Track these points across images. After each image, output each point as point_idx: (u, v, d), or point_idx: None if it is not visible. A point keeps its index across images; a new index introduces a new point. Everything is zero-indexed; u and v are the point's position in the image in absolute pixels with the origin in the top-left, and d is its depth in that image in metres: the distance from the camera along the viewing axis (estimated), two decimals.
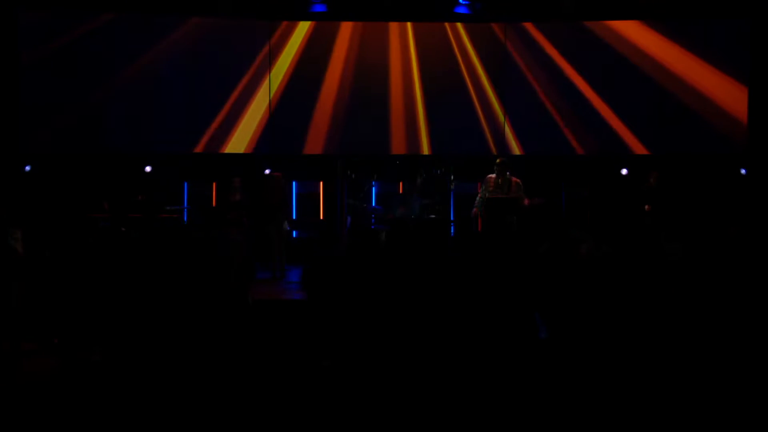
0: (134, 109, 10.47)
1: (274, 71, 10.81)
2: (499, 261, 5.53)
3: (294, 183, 11.10)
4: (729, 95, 10.52)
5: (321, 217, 11.15)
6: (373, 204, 10.90)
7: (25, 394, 4.84)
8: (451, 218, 10.97)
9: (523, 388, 4.31)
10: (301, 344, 4.78)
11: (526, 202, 9.23)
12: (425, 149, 10.97)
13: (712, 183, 10.41)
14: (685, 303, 5.00)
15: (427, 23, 10.97)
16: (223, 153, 10.76)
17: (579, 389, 4.29)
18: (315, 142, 10.90)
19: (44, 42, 10.15)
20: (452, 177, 10.80)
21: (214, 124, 10.69)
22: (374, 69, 10.91)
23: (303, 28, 10.86)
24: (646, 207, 9.71)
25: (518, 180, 9.23)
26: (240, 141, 10.79)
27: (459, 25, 10.94)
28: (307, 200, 11.22)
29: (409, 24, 10.95)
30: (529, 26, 10.91)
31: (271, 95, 10.82)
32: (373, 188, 11.11)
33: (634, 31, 10.73)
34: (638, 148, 10.74)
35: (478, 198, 9.45)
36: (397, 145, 10.98)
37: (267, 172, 10.32)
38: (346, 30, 10.90)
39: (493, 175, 9.25)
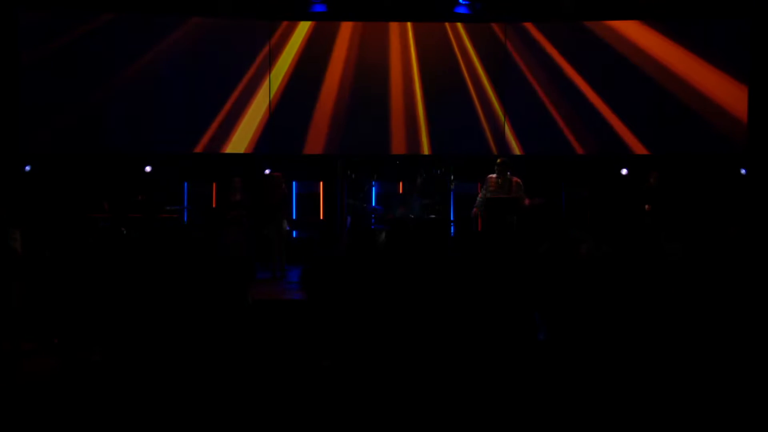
0: (134, 109, 10.47)
1: (274, 71, 10.81)
2: (499, 261, 5.53)
3: (294, 183, 11.10)
4: (729, 95, 10.52)
5: (321, 217, 11.15)
6: (373, 204, 10.90)
7: (25, 394, 4.84)
8: (451, 218, 10.97)
9: (522, 389, 4.31)
10: (301, 344, 4.78)
11: (526, 201, 9.23)
12: (425, 149, 10.97)
13: (712, 183, 10.41)
14: (685, 303, 5.00)
15: (427, 23, 10.97)
16: (223, 153, 10.76)
17: (579, 390, 4.30)
18: (315, 142, 10.90)
19: (44, 42, 10.15)
20: (452, 177, 10.80)
21: (214, 124, 10.69)
22: (374, 69, 10.91)
23: (303, 28, 10.86)
24: (646, 207, 9.71)
25: (519, 180, 9.24)
26: (240, 141, 10.79)
27: (459, 25, 10.94)
28: (307, 200, 11.22)
29: (409, 24, 10.95)
30: (529, 26, 10.91)
31: (271, 95, 10.83)
32: (373, 188, 11.11)
33: (634, 31, 10.73)
34: (638, 148, 10.74)
35: (479, 198, 9.45)
36: (397, 145, 10.98)
37: (267, 172, 10.33)
38: (346, 30, 10.90)
39: (494, 175, 9.25)
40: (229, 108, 10.71)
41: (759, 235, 7.58)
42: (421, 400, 4.20)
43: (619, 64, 10.71)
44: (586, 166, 11.02)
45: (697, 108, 10.59)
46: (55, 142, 10.28)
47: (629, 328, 4.75)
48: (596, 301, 4.93)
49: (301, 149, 10.90)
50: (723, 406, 4.15)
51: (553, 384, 4.35)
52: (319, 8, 10.72)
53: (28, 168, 10.14)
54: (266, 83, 10.80)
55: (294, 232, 11.02)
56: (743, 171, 10.51)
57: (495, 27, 10.95)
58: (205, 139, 10.69)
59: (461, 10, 10.82)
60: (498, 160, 9.34)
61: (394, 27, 10.95)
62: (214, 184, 10.96)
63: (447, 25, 10.96)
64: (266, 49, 10.79)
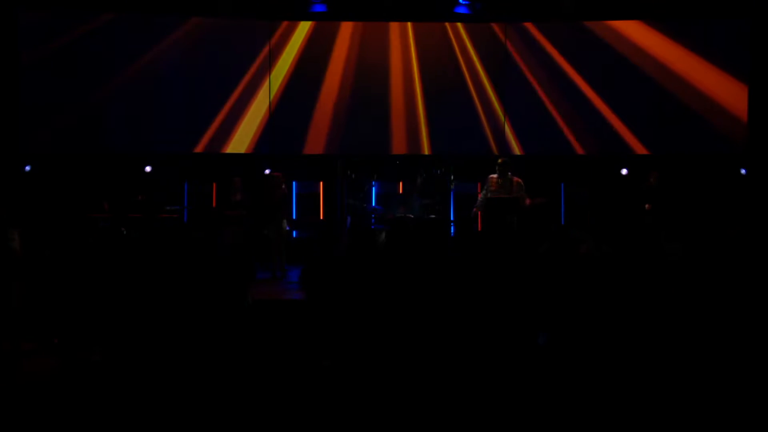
0: (134, 109, 10.48)
1: (274, 71, 10.81)
2: (499, 261, 5.53)
3: (294, 183, 11.10)
4: (729, 95, 10.51)
5: (321, 217, 11.15)
6: (373, 204, 10.90)
7: (25, 394, 4.84)
8: (451, 218, 10.98)
9: (522, 388, 4.31)
10: (301, 344, 4.78)
11: (527, 201, 9.24)
12: (425, 149, 10.97)
13: (712, 183, 10.41)
14: (685, 303, 5.00)
15: (427, 23, 10.97)
16: (223, 153, 10.77)
17: (579, 390, 4.30)
18: (315, 142, 10.90)
19: (44, 42, 10.15)
20: (452, 177, 10.80)
21: (214, 124, 10.69)
22: (374, 69, 10.92)
23: (303, 28, 10.87)
24: (647, 206, 9.72)
25: (520, 180, 9.24)
26: (240, 141, 10.79)
27: (459, 25, 10.94)
28: (307, 200, 11.22)
29: (409, 24, 10.95)
30: (529, 26, 10.91)
31: (272, 95, 10.83)
32: (373, 188, 11.11)
33: (634, 31, 10.73)
34: (638, 148, 10.74)
35: (479, 199, 9.46)
36: (398, 145, 10.98)
37: (267, 172, 10.33)
38: (346, 30, 10.90)
39: (495, 176, 9.25)
40: (229, 108, 10.72)
41: (759, 236, 7.58)
42: (421, 400, 4.20)
43: (619, 64, 10.71)
44: (586, 166, 11.02)
45: (697, 108, 10.59)
46: (55, 142, 10.28)
47: (629, 328, 4.75)
48: (596, 301, 4.92)
49: (301, 149, 10.91)
50: (723, 406, 4.15)
51: (553, 384, 4.35)
52: (319, 8, 10.72)
53: (28, 168, 10.14)
54: (266, 83, 10.80)
55: (294, 232, 11.02)
56: (743, 171, 10.51)
57: (495, 27, 10.95)
58: (205, 139, 10.69)
59: (461, 10, 10.83)
60: (499, 161, 9.34)
61: (394, 27, 10.95)
62: (214, 184, 10.96)
63: (447, 25, 10.96)
64: (266, 49, 10.79)
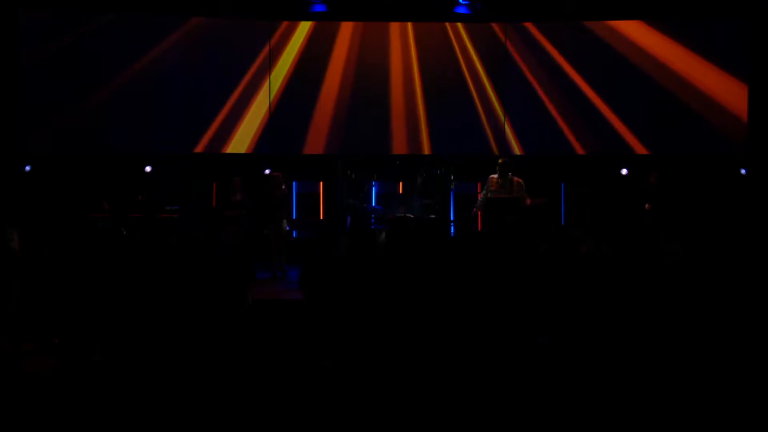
0: (134, 109, 10.47)
1: (274, 71, 10.81)
2: (498, 261, 5.53)
3: (294, 183, 11.10)
4: (729, 95, 10.51)
5: (321, 217, 11.15)
6: (373, 204, 10.90)
7: (25, 394, 4.84)
8: (451, 218, 10.97)
9: (522, 388, 4.31)
10: (301, 344, 4.78)
11: (528, 201, 9.23)
12: (426, 149, 10.98)
13: (712, 183, 10.41)
14: (684, 303, 5.00)
15: (427, 23, 10.97)
16: (223, 153, 10.77)
17: (578, 390, 4.30)
18: (315, 142, 10.91)
19: (44, 42, 10.16)
20: (452, 177, 10.80)
21: (215, 124, 10.70)
22: (374, 69, 10.92)
23: (303, 28, 10.87)
24: (647, 206, 9.71)
25: (520, 180, 9.24)
26: (240, 141, 10.79)
27: (459, 25, 10.95)
28: (307, 200, 11.22)
29: (409, 24, 10.95)
30: (529, 26, 10.91)
31: (272, 95, 10.83)
32: (373, 188, 11.11)
33: (634, 31, 10.73)
34: (638, 148, 10.74)
35: (480, 199, 9.46)
36: (398, 145, 10.98)
37: (267, 172, 10.32)
38: (346, 30, 10.90)
39: (495, 176, 9.25)
40: (229, 108, 10.72)
41: (759, 236, 7.57)
42: (421, 400, 4.20)
43: (619, 64, 10.72)
44: (586, 166, 11.02)
45: (697, 108, 10.59)
46: (55, 142, 10.28)
47: (629, 328, 4.75)
48: (596, 301, 4.92)
49: (301, 149, 10.91)
50: (723, 406, 4.15)
51: (552, 384, 4.35)
52: (319, 8, 10.72)
53: (28, 168, 10.14)
54: (266, 83, 10.80)
55: (294, 232, 11.02)
56: (743, 171, 10.50)
57: (495, 27, 10.96)
58: (205, 139, 10.69)
59: (461, 10, 10.83)
60: (499, 161, 9.34)
61: (394, 27, 10.96)
62: (214, 184, 10.95)
63: (447, 25, 10.96)
64: (266, 50, 10.79)
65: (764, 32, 10.37)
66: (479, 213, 9.57)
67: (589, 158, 10.95)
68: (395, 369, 4.44)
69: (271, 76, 10.81)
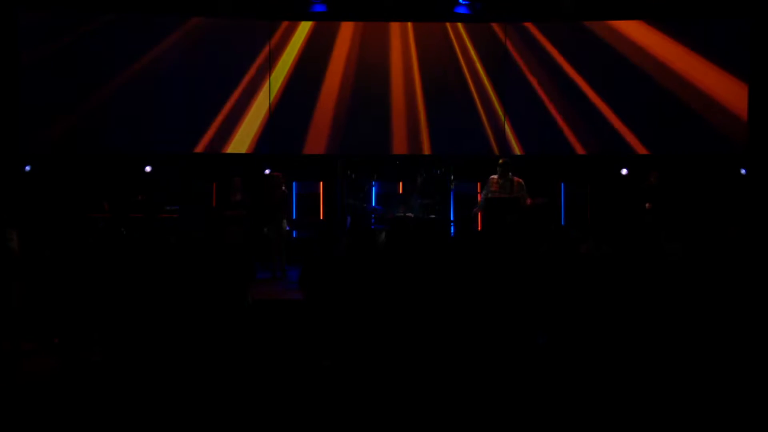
0: (134, 109, 10.47)
1: (274, 71, 10.81)
2: (498, 261, 5.53)
3: (294, 183, 11.09)
4: (729, 96, 10.51)
5: (321, 217, 11.15)
6: (373, 204, 10.90)
7: (25, 394, 4.84)
8: (451, 218, 10.97)
9: (522, 388, 4.31)
10: (301, 344, 4.78)
11: (528, 201, 9.23)
12: (426, 149, 10.97)
13: (712, 183, 10.41)
14: (684, 303, 4.99)
15: (427, 23, 10.97)
16: (223, 153, 10.77)
17: (578, 390, 4.29)
18: (315, 142, 10.90)
19: (44, 42, 10.15)
20: (452, 177, 10.80)
21: (215, 125, 10.69)
22: (375, 69, 10.92)
23: (303, 28, 10.87)
24: (647, 205, 9.71)
25: (521, 180, 9.23)
26: (240, 141, 10.79)
27: (459, 25, 10.95)
28: (307, 200, 11.21)
29: (409, 24, 10.95)
30: (529, 26, 10.91)
31: (272, 95, 10.83)
32: (373, 188, 11.11)
33: (634, 31, 10.73)
34: (638, 148, 10.74)
35: (480, 200, 9.45)
36: (398, 145, 10.98)
37: (267, 172, 10.32)
38: (346, 30, 10.90)
39: (496, 176, 9.25)
40: (229, 108, 10.72)
41: (759, 235, 7.57)
42: (421, 400, 4.20)
43: (619, 64, 10.71)
44: (586, 166, 11.02)
45: (697, 107, 10.59)
46: (55, 142, 10.28)
47: (629, 327, 4.75)
48: (596, 301, 4.92)
49: (301, 149, 10.91)
50: (723, 405, 4.15)
51: (552, 384, 4.35)
52: (319, 8, 10.72)
53: (28, 168, 10.14)
54: (266, 83, 10.80)
55: (294, 232, 11.02)
56: (743, 171, 10.50)
57: (495, 27, 10.95)
58: (205, 139, 10.69)
59: (461, 10, 10.82)
60: (500, 161, 9.34)
61: (394, 27, 10.95)
62: (214, 184, 10.95)
63: (447, 25, 10.96)
64: (266, 50, 10.79)
65: (764, 32, 10.37)
66: (479, 213, 9.57)
67: (589, 158, 10.94)
68: (395, 369, 4.44)
69: (271, 76, 10.80)
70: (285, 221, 9.54)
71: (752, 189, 10.31)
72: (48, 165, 10.22)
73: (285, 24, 10.84)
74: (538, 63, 10.88)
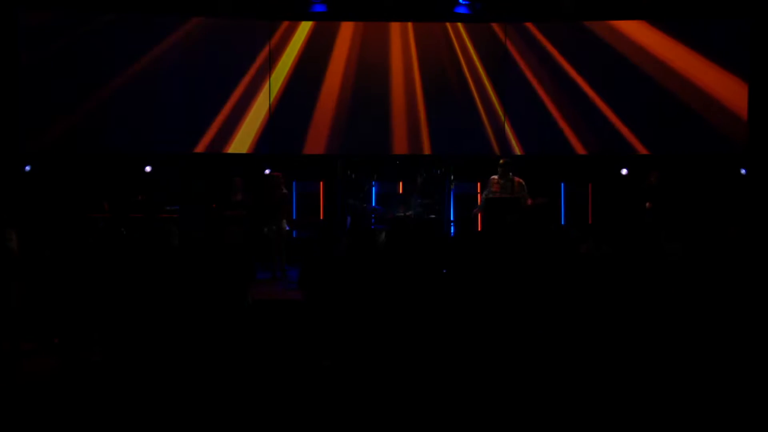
0: (134, 109, 10.47)
1: (274, 71, 10.81)
2: (498, 261, 5.53)
3: (294, 183, 11.09)
4: (729, 96, 10.50)
5: (321, 217, 11.15)
6: (373, 204, 10.90)
7: (25, 394, 4.84)
8: (451, 218, 10.97)
9: (522, 388, 4.31)
10: (301, 344, 4.78)
11: (529, 201, 9.23)
12: (426, 149, 10.97)
13: (712, 183, 10.41)
14: (684, 303, 5.00)
15: (427, 23, 10.97)
16: (223, 153, 10.76)
17: (578, 390, 4.29)
18: (315, 142, 10.90)
19: (44, 42, 10.15)
20: (452, 177, 10.80)
21: (215, 124, 10.69)
22: (375, 69, 10.92)
23: (303, 28, 10.86)
24: (647, 205, 9.71)
25: (521, 180, 9.23)
26: (240, 141, 10.79)
27: (459, 25, 10.94)
28: (307, 200, 11.21)
29: (409, 24, 10.95)
30: (529, 26, 10.91)
31: (272, 95, 10.83)
32: (373, 188, 11.11)
33: (634, 31, 10.72)
34: (638, 148, 10.74)
35: (481, 201, 9.45)
36: (398, 145, 10.98)
37: (267, 172, 10.32)
38: (346, 30, 10.90)
39: (496, 177, 9.24)
40: (229, 108, 10.71)
41: (759, 235, 7.57)
42: (421, 400, 4.20)
43: (619, 64, 10.71)
44: (586, 166, 11.02)
45: (697, 107, 10.58)
46: (54, 142, 10.28)
47: (629, 327, 4.75)
48: (596, 301, 4.92)
49: (302, 149, 10.91)
50: (723, 405, 4.15)
51: (552, 383, 4.35)
52: (320, 8, 10.72)
53: (28, 168, 10.14)
54: (266, 83, 10.80)
55: (294, 232, 11.02)
56: (743, 171, 10.50)
57: (495, 27, 10.95)
58: (206, 139, 10.69)
59: (461, 10, 10.82)
60: (501, 161, 9.33)
61: (394, 27, 10.95)
62: (214, 184, 10.93)
63: (448, 25, 10.96)
64: (266, 50, 10.79)
65: (764, 32, 10.36)
66: (479, 213, 9.57)
67: (590, 158, 10.94)
68: (395, 369, 4.44)
69: (271, 76, 10.80)
70: (285, 221, 9.54)
71: (752, 189, 10.31)
72: (48, 165, 10.22)
73: (285, 24, 10.84)
74: (538, 63, 10.87)
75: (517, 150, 10.89)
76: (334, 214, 10.95)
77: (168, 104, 10.62)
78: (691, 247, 5.94)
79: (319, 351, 4.68)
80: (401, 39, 10.95)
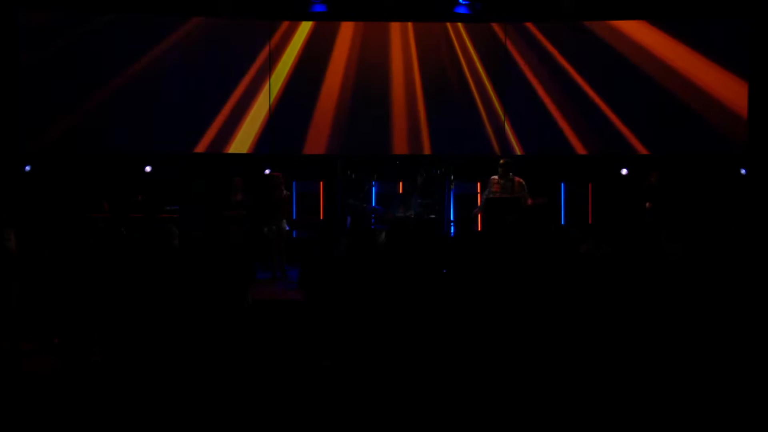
0: (134, 109, 10.46)
1: (274, 71, 10.81)
2: (498, 261, 5.53)
3: (294, 183, 11.09)
4: (729, 96, 10.50)
5: (321, 217, 11.15)
6: (373, 204, 10.90)
7: (25, 394, 4.84)
8: (452, 218, 10.97)
9: (522, 389, 4.31)
10: (301, 344, 4.78)
11: (529, 201, 9.23)
12: (426, 149, 10.97)
13: (712, 183, 10.41)
14: (684, 303, 5.00)
15: (427, 23, 10.97)
16: (223, 153, 10.76)
17: (578, 390, 4.29)
18: (315, 142, 10.90)
19: (44, 42, 10.15)
20: (452, 177, 10.80)
21: (215, 124, 10.69)
22: (375, 69, 10.92)
23: (303, 28, 10.86)
24: (647, 205, 9.71)
25: (521, 180, 9.24)
26: (241, 141, 10.79)
27: (459, 25, 10.95)
28: (307, 200, 11.21)
29: (409, 24, 10.95)
30: (529, 26, 10.91)
31: (272, 95, 10.83)
32: (373, 188, 11.11)
33: (634, 31, 10.72)
34: (638, 148, 10.74)
35: (482, 201, 9.45)
36: (398, 145, 10.98)
37: (267, 172, 10.32)
38: (346, 30, 10.90)
39: (497, 177, 9.24)
40: (229, 108, 10.71)
41: (759, 235, 7.57)
42: (421, 400, 4.20)
43: (619, 64, 10.71)
44: (586, 166, 11.02)
45: (697, 107, 10.58)
46: (54, 142, 10.27)
47: (629, 328, 4.75)
48: (596, 301, 4.92)
49: (302, 149, 10.91)
50: (723, 406, 4.15)
51: (552, 383, 4.35)
52: (320, 8, 10.72)
53: (28, 168, 10.14)
54: (266, 83, 10.80)
55: (294, 232, 11.02)
56: (743, 171, 10.50)
57: (495, 27, 10.95)
58: (206, 139, 10.69)
59: (461, 10, 10.82)
60: (501, 161, 9.33)
61: (394, 27, 10.95)
62: (214, 184, 10.93)
63: (448, 25, 10.96)
64: (266, 50, 10.79)
65: (764, 32, 10.36)
66: (479, 214, 9.57)
67: (590, 158, 10.94)
68: (395, 369, 4.44)
69: (272, 76, 10.80)
70: (285, 221, 9.54)
71: (752, 189, 10.31)
72: (48, 165, 10.22)
73: (285, 24, 10.84)
74: (538, 63, 10.87)
75: (517, 150, 10.89)
76: (334, 214, 10.94)
77: (168, 104, 10.62)
78: (691, 247, 5.94)
79: (319, 351, 4.68)
80: (401, 39, 10.95)
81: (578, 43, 10.83)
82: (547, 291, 5.00)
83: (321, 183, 11.25)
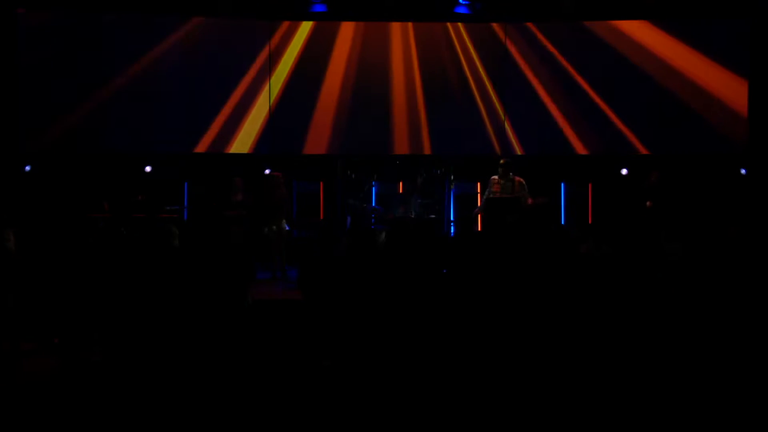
0: (134, 109, 10.46)
1: (274, 72, 10.81)
2: (498, 261, 5.53)
3: (294, 183, 11.09)
4: (729, 96, 10.51)
5: (321, 217, 11.15)
6: (373, 204, 10.90)
7: (25, 394, 4.84)
8: (452, 218, 10.97)
9: (522, 389, 4.30)
10: (301, 344, 4.78)
11: (529, 201, 9.23)
12: (426, 149, 10.97)
13: (712, 183, 10.41)
14: (684, 303, 4.99)
15: (427, 23, 10.97)
16: (223, 153, 10.76)
17: (578, 390, 4.29)
18: (315, 142, 10.90)
19: (44, 42, 10.15)
20: (452, 177, 10.80)
21: (215, 124, 10.69)
22: (375, 69, 10.92)
23: (304, 28, 10.86)
24: (647, 204, 9.71)
25: (522, 180, 9.24)
26: (241, 141, 10.79)
27: (460, 25, 10.95)
28: (307, 200, 11.21)
29: (410, 24, 10.95)
30: (529, 26, 10.91)
31: (272, 95, 10.83)
32: (373, 188, 11.11)
33: (634, 31, 10.73)
34: (639, 148, 10.74)
35: (482, 202, 9.45)
36: (398, 145, 10.98)
37: (267, 172, 10.32)
38: (346, 30, 10.90)
39: (497, 177, 9.24)
40: (229, 108, 10.71)
41: (759, 235, 7.57)
42: (421, 400, 4.20)
43: (619, 64, 10.71)
44: (587, 166, 11.02)
45: (697, 107, 10.59)
46: (54, 142, 10.28)
47: (629, 328, 4.75)
48: (596, 301, 4.92)
49: (302, 149, 10.91)
50: (723, 406, 4.15)
51: (553, 384, 4.35)
52: (320, 8, 10.72)
53: (28, 168, 10.14)
54: (266, 83, 10.80)
55: (294, 232, 11.01)
56: (743, 171, 10.50)
57: (495, 27, 10.95)
58: (206, 139, 10.69)
59: (461, 10, 10.82)
60: (501, 161, 9.33)
61: (394, 27, 10.95)
62: (214, 184, 10.93)
63: (448, 25, 10.96)
64: (266, 50, 10.79)
65: (764, 32, 10.36)
66: (479, 214, 9.57)
67: (590, 158, 10.95)
68: (395, 369, 4.44)
69: (272, 77, 10.80)
70: (285, 221, 9.54)
71: (752, 189, 10.31)
72: (48, 165, 10.22)
73: (285, 24, 10.84)
74: (539, 63, 10.87)
75: (518, 150, 10.89)
76: (334, 214, 10.94)
77: (168, 104, 10.62)
78: (691, 247, 5.94)
79: (319, 351, 4.68)
80: (401, 39, 10.95)
81: (578, 43, 10.83)
82: (547, 291, 5.00)
83: (321, 183, 11.25)
